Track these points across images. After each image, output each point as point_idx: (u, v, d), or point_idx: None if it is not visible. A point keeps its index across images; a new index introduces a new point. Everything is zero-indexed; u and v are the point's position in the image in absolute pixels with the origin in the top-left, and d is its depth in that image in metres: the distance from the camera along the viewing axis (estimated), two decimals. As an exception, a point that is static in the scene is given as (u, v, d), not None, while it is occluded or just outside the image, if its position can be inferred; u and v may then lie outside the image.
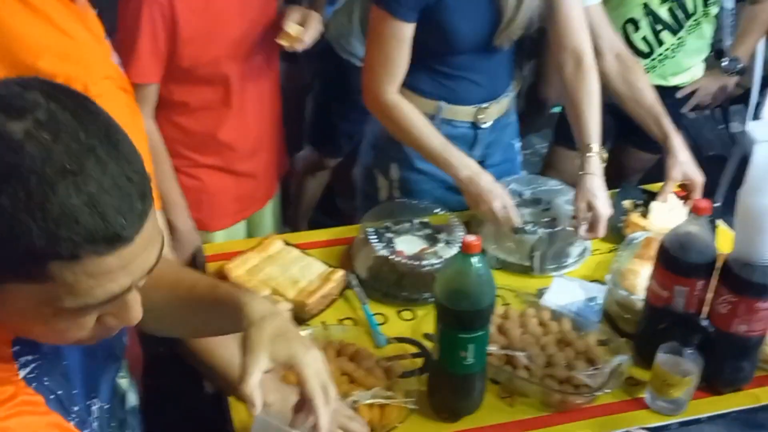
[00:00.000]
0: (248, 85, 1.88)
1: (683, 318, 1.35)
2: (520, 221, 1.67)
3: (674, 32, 2.36)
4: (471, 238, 1.21)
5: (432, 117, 1.76)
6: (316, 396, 0.98)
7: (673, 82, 2.48)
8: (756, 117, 3.13)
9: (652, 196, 1.88)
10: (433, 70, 1.73)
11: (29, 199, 0.67)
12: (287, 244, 1.73)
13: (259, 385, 0.96)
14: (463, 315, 1.24)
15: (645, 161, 2.64)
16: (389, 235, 1.70)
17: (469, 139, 1.83)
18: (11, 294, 0.73)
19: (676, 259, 1.36)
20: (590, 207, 1.65)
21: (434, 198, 1.80)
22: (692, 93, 2.54)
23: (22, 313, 0.75)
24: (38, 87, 0.72)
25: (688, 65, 2.47)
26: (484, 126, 1.83)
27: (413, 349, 1.50)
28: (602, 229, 1.66)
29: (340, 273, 1.63)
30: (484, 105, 1.81)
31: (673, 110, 2.57)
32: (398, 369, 1.43)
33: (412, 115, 1.70)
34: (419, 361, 1.47)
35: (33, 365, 0.82)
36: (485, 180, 1.67)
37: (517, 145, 2.02)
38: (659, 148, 2.69)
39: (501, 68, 1.81)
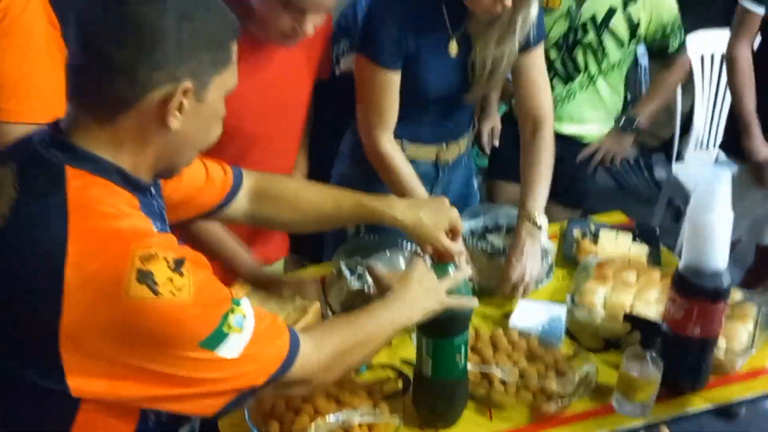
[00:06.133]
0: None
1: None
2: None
3: (564, 82, 2.42)
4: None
5: None
6: None
7: (566, 131, 2.46)
8: (678, 160, 3.32)
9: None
10: (400, 114, 1.78)
11: None
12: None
13: None
14: (453, 319, 1.34)
15: (566, 215, 2.65)
16: (361, 268, 1.77)
17: (430, 177, 1.94)
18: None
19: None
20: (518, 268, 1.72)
21: (402, 233, 1.85)
22: (593, 154, 2.56)
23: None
24: None
25: (579, 119, 2.49)
26: (445, 165, 1.93)
27: (392, 374, 1.57)
28: (528, 289, 1.73)
29: (316, 305, 1.68)
30: (444, 145, 1.91)
31: (571, 160, 2.50)
32: (380, 391, 1.49)
33: (403, 169, 1.77)
34: (398, 384, 1.53)
35: None
36: None
37: (476, 182, 2.12)
38: (579, 203, 2.63)
39: (464, 113, 1.92)
